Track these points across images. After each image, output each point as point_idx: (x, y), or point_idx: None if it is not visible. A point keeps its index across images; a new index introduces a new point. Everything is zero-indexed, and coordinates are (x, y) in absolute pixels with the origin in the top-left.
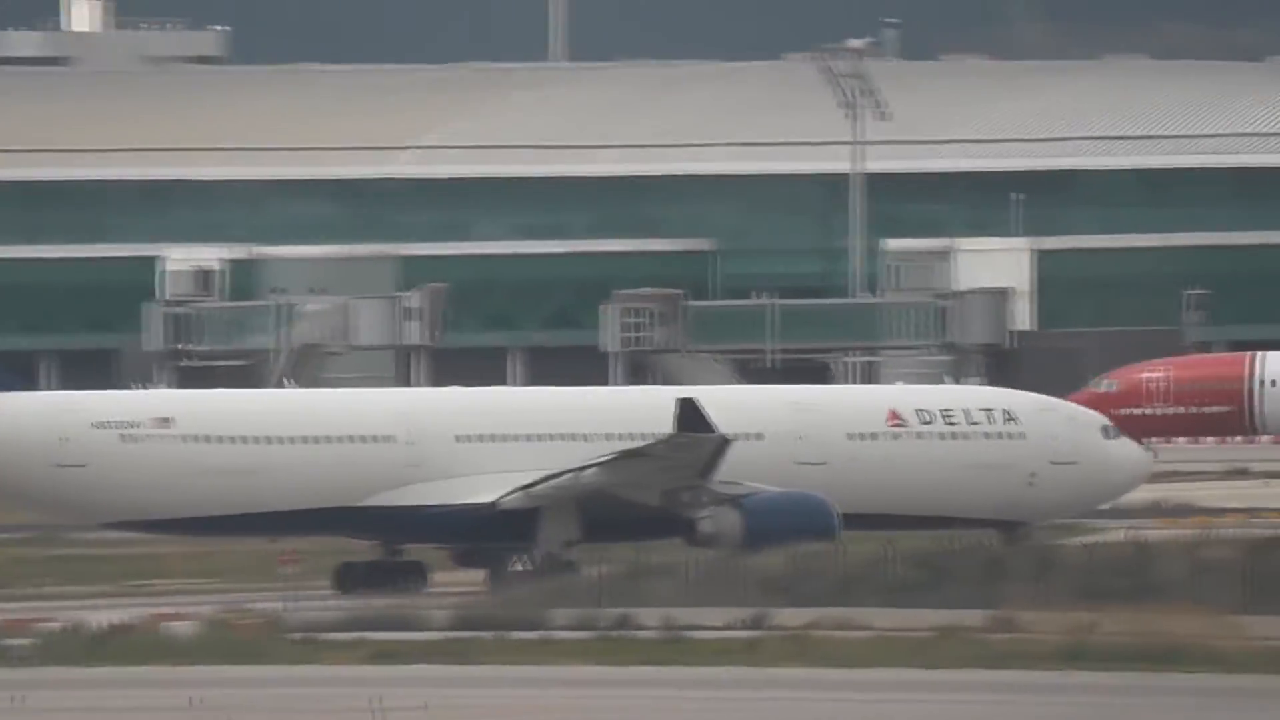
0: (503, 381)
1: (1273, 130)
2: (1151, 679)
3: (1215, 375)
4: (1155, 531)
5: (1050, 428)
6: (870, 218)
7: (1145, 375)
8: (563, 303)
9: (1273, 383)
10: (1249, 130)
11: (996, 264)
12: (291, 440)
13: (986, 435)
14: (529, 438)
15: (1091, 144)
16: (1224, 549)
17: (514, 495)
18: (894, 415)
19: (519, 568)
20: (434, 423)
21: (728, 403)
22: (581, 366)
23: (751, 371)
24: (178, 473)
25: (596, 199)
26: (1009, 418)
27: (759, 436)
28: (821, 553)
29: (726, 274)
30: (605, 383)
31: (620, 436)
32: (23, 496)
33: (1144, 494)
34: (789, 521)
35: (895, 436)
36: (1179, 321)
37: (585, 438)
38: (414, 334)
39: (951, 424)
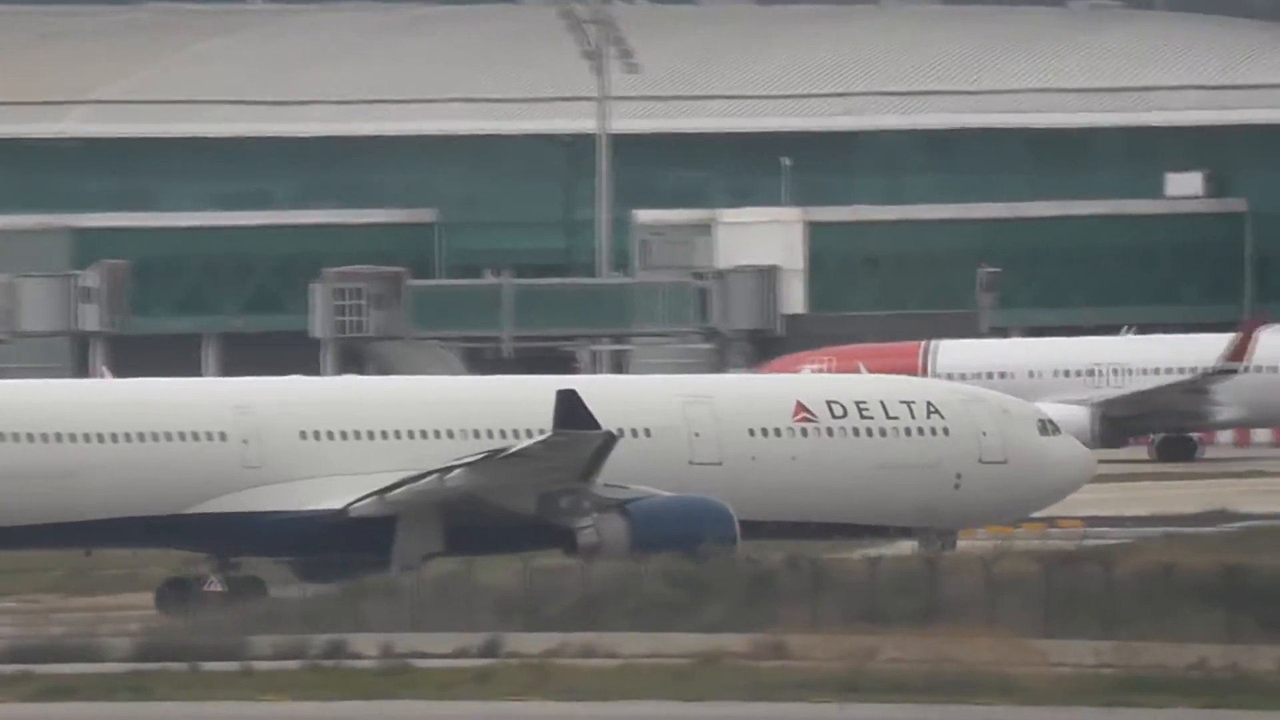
0: (196, 373)
1: (1076, 86)
2: (939, 711)
3: (884, 369)
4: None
5: (979, 422)
6: (619, 185)
7: (806, 367)
8: (264, 282)
9: (948, 376)
10: (1049, 86)
11: (764, 238)
12: (110, 438)
13: (907, 431)
14: (385, 435)
15: (871, 101)
16: (1022, 563)
17: (367, 501)
18: (801, 408)
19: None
20: (275, 417)
21: (611, 395)
22: (287, 355)
23: (484, 361)
24: None
25: (303, 162)
26: (932, 410)
27: (647, 433)
28: (564, 570)
29: (454, 249)
30: (316, 373)
31: (491, 434)
32: None
33: None
34: (682, 530)
35: (803, 433)
36: (973, 303)
37: (450, 435)
38: (91, 319)
39: (867, 418)
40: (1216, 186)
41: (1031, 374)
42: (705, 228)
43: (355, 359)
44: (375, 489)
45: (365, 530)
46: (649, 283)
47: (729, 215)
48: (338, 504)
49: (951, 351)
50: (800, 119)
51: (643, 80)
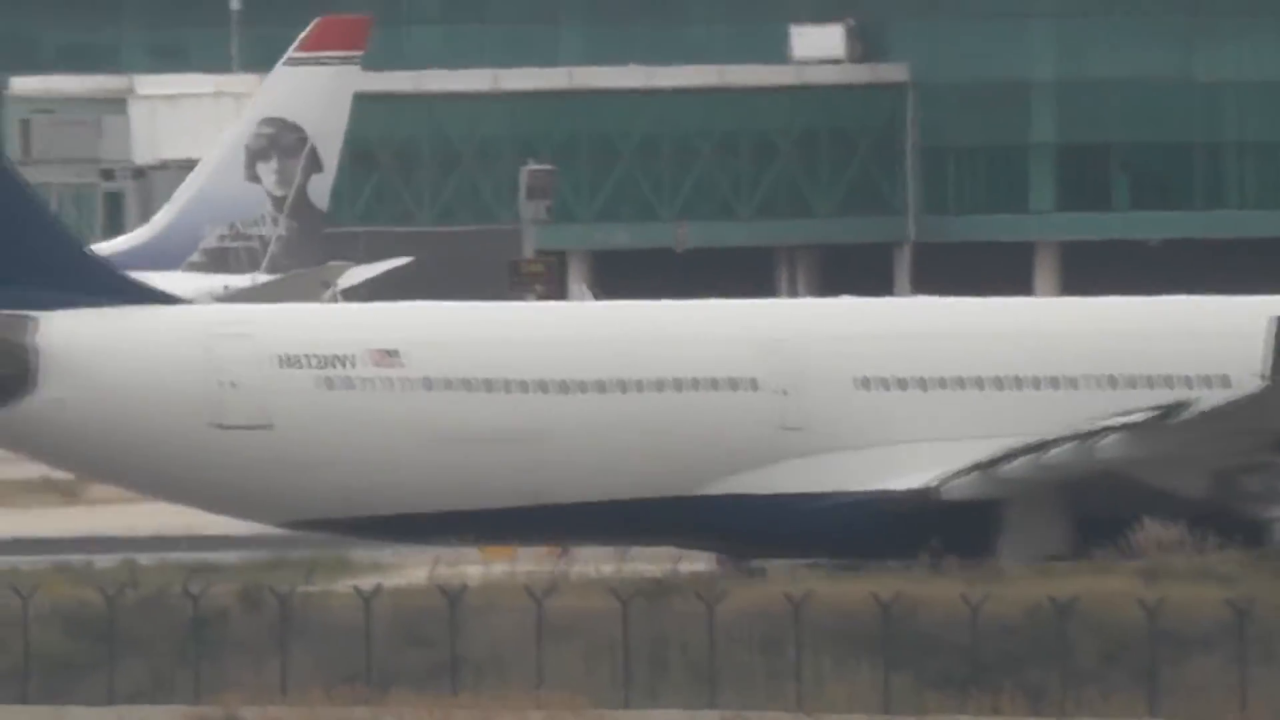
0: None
1: None
2: None
3: None
4: None
5: None
6: None
7: None
8: None
9: None
10: None
11: (203, 118)
12: (581, 388)
13: None
14: (984, 383)
15: None
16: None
17: (965, 478)
18: None
19: None
20: (825, 361)
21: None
22: None
23: None
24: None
25: None
26: None
27: None
28: None
29: None
30: None
31: (1136, 382)
32: None
33: None
34: None
35: None
36: (514, 214)
37: (1073, 383)
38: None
39: None
40: (864, 46)
41: None
42: (118, 103)
43: None
44: (977, 460)
45: (958, 519)
46: (33, 182)
47: (150, 85)
48: (922, 481)
49: None
50: None
51: None
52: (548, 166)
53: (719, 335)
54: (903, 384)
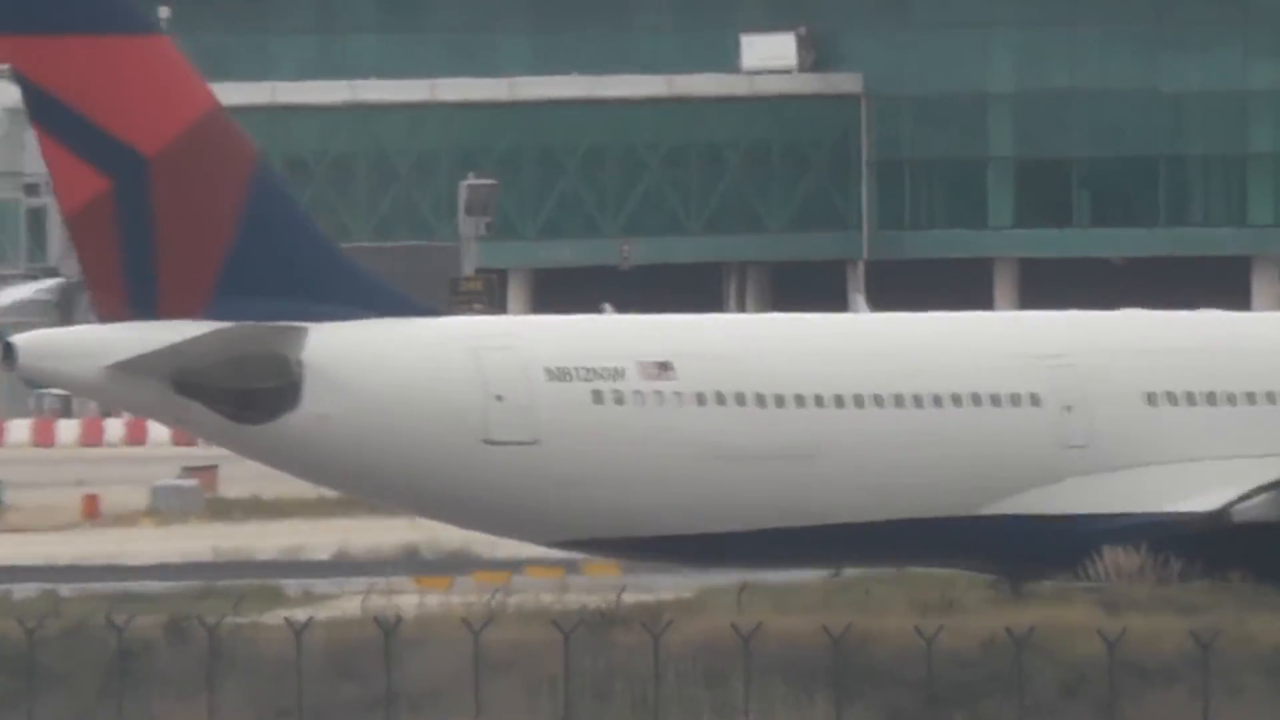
0: None
1: None
2: None
3: None
4: None
5: None
6: None
7: None
8: None
9: None
10: None
11: None
12: (857, 402)
13: None
14: (1276, 398)
15: None
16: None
17: (1258, 498)
18: None
19: None
20: (1110, 376)
21: None
22: None
23: None
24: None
25: None
26: None
27: None
28: None
29: None
30: None
31: None
32: None
33: None
34: None
35: None
36: (452, 231)
37: None
38: None
39: None
40: (817, 55)
41: None
42: None
43: None
44: (1270, 480)
45: (1247, 543)
46: None
47: None
48: (1211, 502)
49: None
50: None
51: None
52: (488, 181)
53: (1000, 349)
54: (1191, 399)
